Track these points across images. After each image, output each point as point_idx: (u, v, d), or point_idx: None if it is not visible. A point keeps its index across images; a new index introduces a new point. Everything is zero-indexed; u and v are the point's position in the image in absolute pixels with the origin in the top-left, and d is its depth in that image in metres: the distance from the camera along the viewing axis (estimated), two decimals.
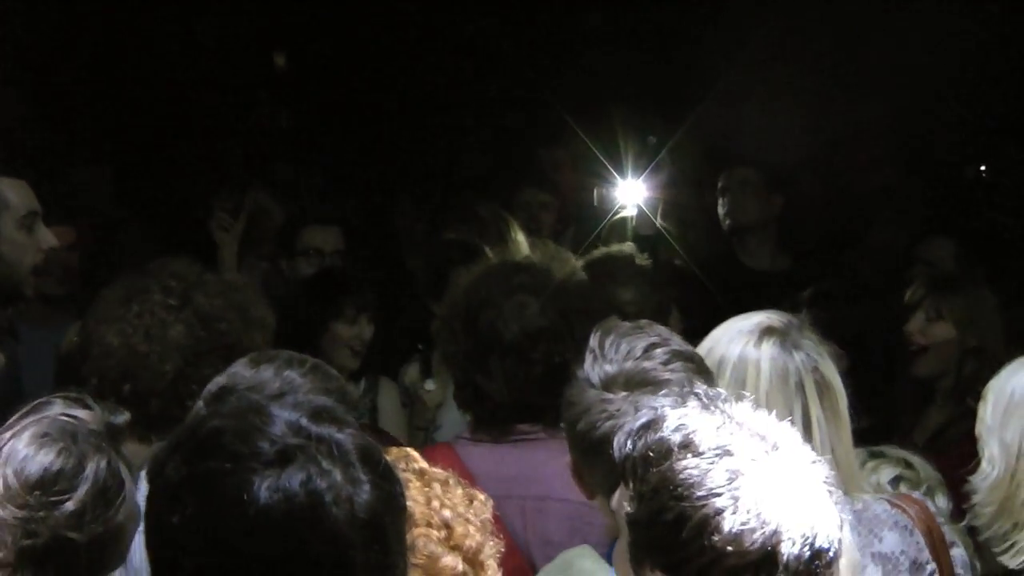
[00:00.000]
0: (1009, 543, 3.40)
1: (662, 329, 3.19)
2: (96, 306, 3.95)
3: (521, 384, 3.82)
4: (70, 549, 2.72)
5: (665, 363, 3.05)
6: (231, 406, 2.25)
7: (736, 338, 3.36)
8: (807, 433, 3.18)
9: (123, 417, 2.97)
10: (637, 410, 2.74)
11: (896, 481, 3.82)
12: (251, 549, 2.04)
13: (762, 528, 2.24)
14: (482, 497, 2.73)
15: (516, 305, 3.87)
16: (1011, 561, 3.39)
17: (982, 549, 3.63)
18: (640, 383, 2.99)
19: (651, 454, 2.37)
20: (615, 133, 7.35)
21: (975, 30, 8.50)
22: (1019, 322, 5.63)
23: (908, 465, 3.89)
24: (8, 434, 2.81)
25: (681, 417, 2.40)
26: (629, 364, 3.04)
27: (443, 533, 2.59)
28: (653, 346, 3.08)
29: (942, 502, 3.81)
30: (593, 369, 3.06)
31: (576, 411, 3.05)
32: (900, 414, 5.19)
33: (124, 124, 8.38)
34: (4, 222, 4.40)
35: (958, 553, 3.54)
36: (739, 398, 2.48)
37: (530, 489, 3.62)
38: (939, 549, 3.42)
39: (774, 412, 2.43)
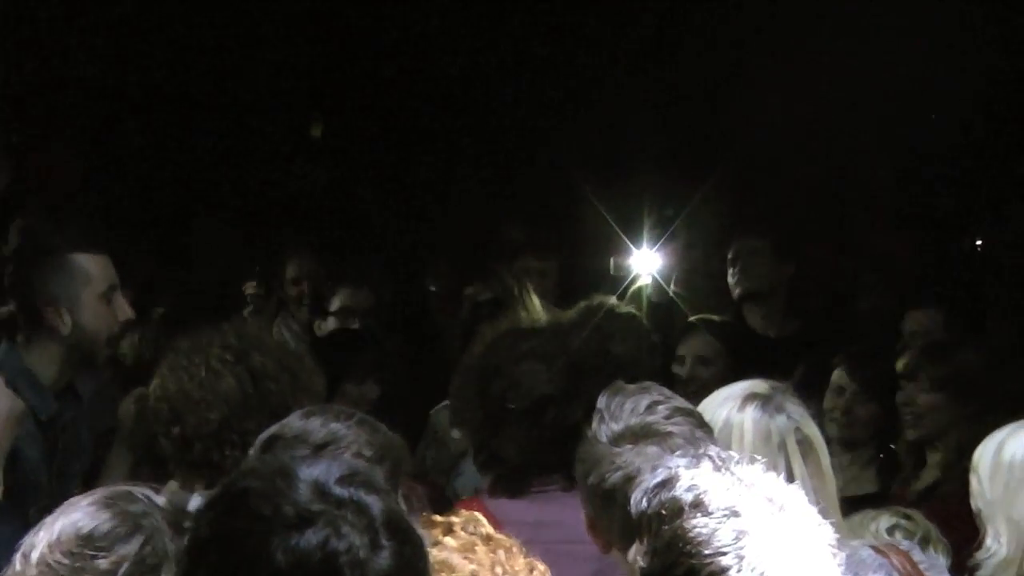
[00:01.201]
0: None
1: (664, 389, 3.31)
2: (167, 354, 4.05)
3: (533, 447, 3.94)
4: None
5: (667, 417, 3.17)
6: (264, 466, 2.34)
7: (722, 404, 3.49)
8: None
9: (195, 503, 3.08)
10: (649, 463, 2.89)
11: (893, 529, 3.81)
12: None
13: None
14: (541, 568, 2.84)
15: (525, 373, 3.99)
16: None
17: None
18: (645, 436, 3.11)
19: (664, 512, 2.45)
20: (631, 202, 7.50)
21: (977, 97, 8.69)
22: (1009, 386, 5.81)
23: (907, 516, 3.90)
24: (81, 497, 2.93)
25: (694, 477, 2.47)
26: (634, 420, 3.16)
27: None
28: (656, 403, 3.20)
29: (942, 560, 3.78)
30: (601, 428, 3.18)
31: (587, 466, 3.17)
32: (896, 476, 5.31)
33: (164, 193, 8.56)
34: (87, 295, 4.52)
35: None
36: (752, 461, 2.57)
37: (555, 534, 3.63)
38: None
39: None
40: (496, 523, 3.56)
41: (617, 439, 3.13)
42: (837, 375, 5.55)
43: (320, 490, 2.18)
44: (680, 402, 3.26)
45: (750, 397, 3.48)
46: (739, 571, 2.35)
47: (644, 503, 2.52)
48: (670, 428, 3.13)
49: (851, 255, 8.01)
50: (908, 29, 8.33)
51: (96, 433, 4.91)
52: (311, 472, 2.21)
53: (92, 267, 4.58)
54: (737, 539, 2.37)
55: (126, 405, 4.63)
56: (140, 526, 2.83)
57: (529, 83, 9.65)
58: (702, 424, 3.24)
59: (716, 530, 2.39)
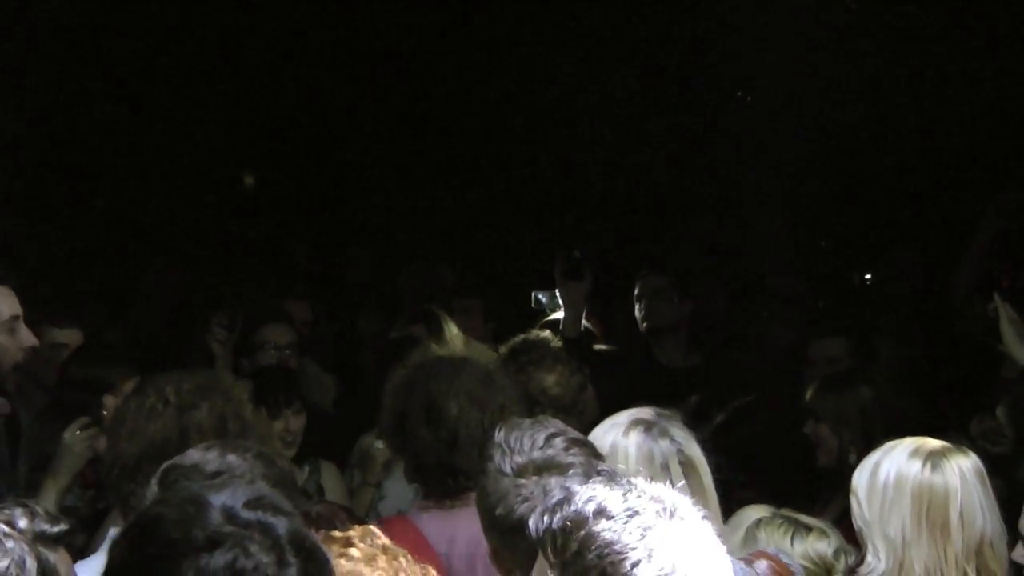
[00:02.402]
0: None
1: (557, 422, 3.36)
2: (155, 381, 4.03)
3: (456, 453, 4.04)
4: None
5: (565, 449, 3.21)
6: (175, 495, 2.33)
7: (610, 430, 3.58)
8: None
9: (58, 528, 2.99)
10: (547, 491, 2.90)
11: (838, 553, 3.90)
12: None
13: (674, 573, 2.39)
14: (433, 573, 2.91)
15: (471, 397, 4.10)
16: None
17: None
18: (547, 468, 3.15)
19: (569, 524, 2.46)
20: (548, 244, 7.62)
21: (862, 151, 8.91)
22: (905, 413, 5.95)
23: (823, 532, 3.99)
24: None
25: (591, 491, 2.51)
26: (536, 453, 3.19)
27: None
28: (553, 436, 3.24)
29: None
30: (504, 462, 3.20)
31: (493, 499, 3.18)
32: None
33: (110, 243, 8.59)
34: None
35: None
36: (636, 474, 2.65)
37: (479, 545, 3.65)
38: None
39: None
40: (423, 541, 3.75)
41: (521, 472, 3.16)
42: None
43: (228, 514, 2.20)
44: (574, 433, 3.31)
45: (634, 423, 3.57)
46: (650, 562, 2.40)
47: (545, 521, 2.54)
48: (569, 459, 3.18)
49: (750, 292, 8.16)
50: (800, 82, 8.51)
51: (34, 458, 4.96)
52: (219, 498, 2.23)
53: None
54: (643, 535, 2.42)
55: (72, 430, 4.71)
56: None
57: (454, 132, 9.76)
58: (595, 453, 3.29)
59: (622, 530, 2.43)
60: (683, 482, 3.43)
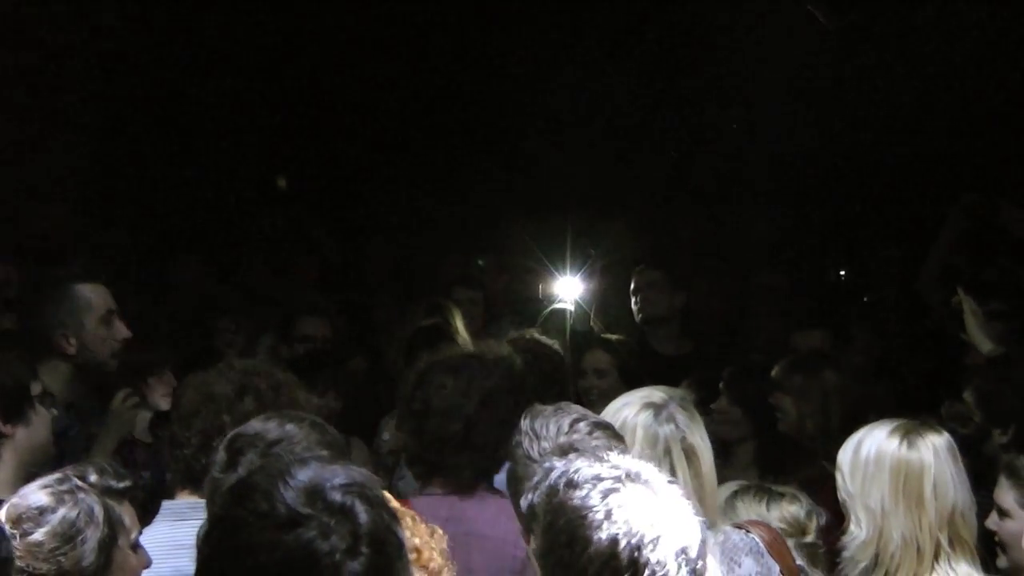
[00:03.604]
0: None
1: (577, 407, 3.39)
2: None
3: (422, 444, 4.06)
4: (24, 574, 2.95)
5: (589, 433, 3.24)
6: (274, 463, 2.30)
7: (623, 407, 3.62)
8: None
9: (123, 483, 3.16)
10: None
11: (810, 514, 4.01)
12: None
13: (632, 535, 2.47)
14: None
15: (436, 384, 4.06)
16: None
17: None
18: (573, 452, 3.05)
19: (545, 498, 2.58)
20: (560, 240, 7.78)
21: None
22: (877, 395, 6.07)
23: (795, 496, 4.08)
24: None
25: (564, 466, 2.61)
26: (563, 439, 3.21)
27: (413, 556, 2.79)
28: (576, 421, 3.27)
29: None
30: (532, 448, 3.24)
31: (524, 485, 3.07)
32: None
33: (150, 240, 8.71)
34: (89, 320, 4.73)
35: None
36: (639, 454, 2.76)
37: (458, 527, 3.65)
38: (792, 572, 3.64)
39: None
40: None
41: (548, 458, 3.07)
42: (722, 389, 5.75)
43: (315, 495, 2.17)
44: (595, 417, 3.39)
45: (646, 405, 3.62)
46: (610, 521, 2.49)
47: (529, 498, 2.66)
48: (594, 443, 3.19)
49: (737, 287, 8.27)
50: (785, 85, 8.63)
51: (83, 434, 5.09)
52: (311, 476, 2.20)
53: (92, 295, 4.77)
54: (604, 497, 2.51)
55: (119, 399, 4.91)
56: (63, 500, 3.04)
57: (464, 131, 9.86)
58: (617, 436, 3.35)
59: (586, 496, 2.53)
60: (684, 466, 3.53)
